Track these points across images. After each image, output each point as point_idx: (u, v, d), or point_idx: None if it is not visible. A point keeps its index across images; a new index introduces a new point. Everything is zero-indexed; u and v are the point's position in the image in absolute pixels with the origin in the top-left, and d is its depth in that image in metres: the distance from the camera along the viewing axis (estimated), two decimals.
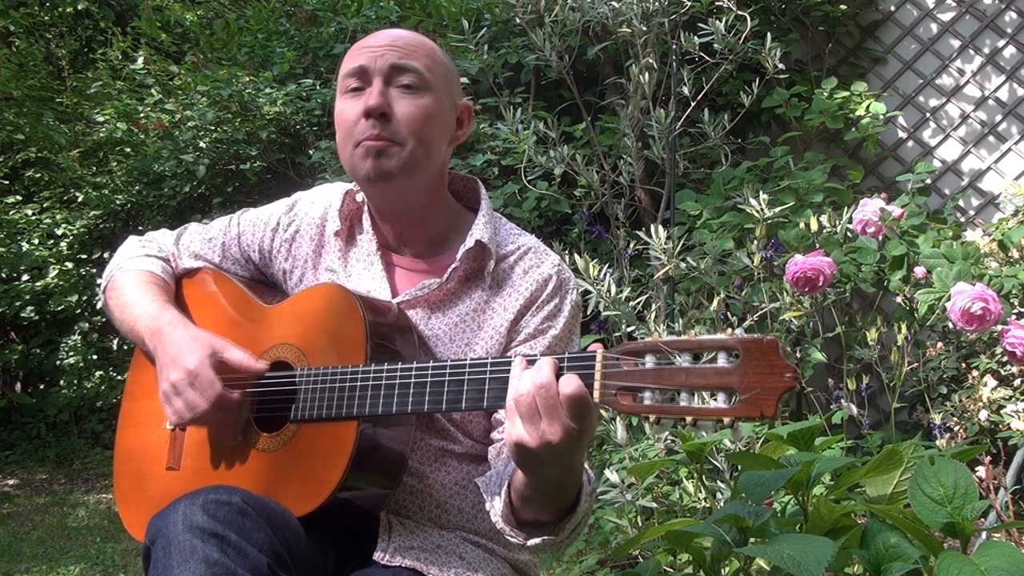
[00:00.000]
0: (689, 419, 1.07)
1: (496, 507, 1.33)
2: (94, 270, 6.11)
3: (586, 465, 1.37)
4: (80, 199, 6.29)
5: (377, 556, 1.38)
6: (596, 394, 1.13)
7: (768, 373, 1.03)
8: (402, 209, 1.53)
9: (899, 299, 3.05)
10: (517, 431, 1.16)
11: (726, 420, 1.05)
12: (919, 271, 2.94)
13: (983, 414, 2.78)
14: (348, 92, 1.47)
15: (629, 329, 2.92)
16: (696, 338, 1.09)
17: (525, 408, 1.15)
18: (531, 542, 1.30)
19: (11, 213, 6.18)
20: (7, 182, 6.55)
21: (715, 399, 1.06)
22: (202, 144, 5.58)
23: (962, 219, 4.25)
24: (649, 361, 1.10)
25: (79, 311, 6.01)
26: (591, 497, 1.33)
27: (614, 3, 3.54)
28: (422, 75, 1.46)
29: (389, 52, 1.46)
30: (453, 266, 1.48)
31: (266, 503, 1.27)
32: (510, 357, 1.23)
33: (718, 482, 2.42)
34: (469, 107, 1.59)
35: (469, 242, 1.49)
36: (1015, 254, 3.16)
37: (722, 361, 1.06)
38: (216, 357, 1.44)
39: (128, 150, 6.38)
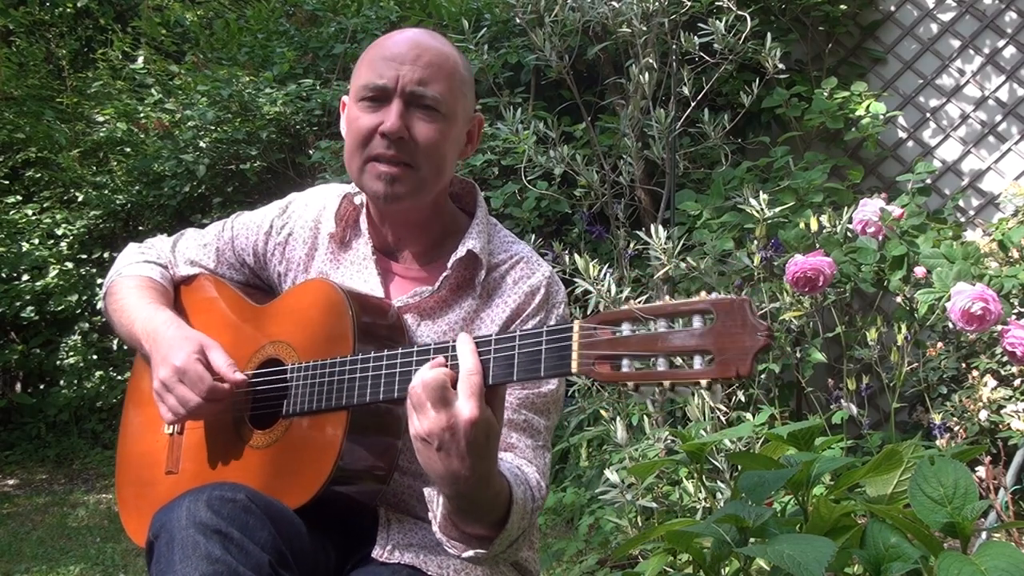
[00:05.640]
0: (667, 383, 1.06)
1: (436, 516, 1.31)
2: (94, 270, 6.11)
3: (531, 480, 1.37)
4: (80, 199, 6.29)
5: (375, 553, 1.39)
6: (575, 364, 1.12)
7: (742, 333, 1.02)
8: (403, 220, 1.54)
9: (899, 299, 3.04)
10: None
11: (703, 382, 1.04)
12: (919, 271, 2.93)
13: (983, 414, 2.78)
14: (364, 101, 1.45)
15: None
16: (671, 303, 1.08)
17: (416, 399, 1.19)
18: (466, 554, 1.30)
19: (11, 213, 6.19)
20: (7, 182, 6.55)
21: (691, 362, 1.05)
22: (202, 144, 5.58)
23: (962, 219, 4.25)
24: (626, 329, 1.10)
25: (79, 311, 6.02)
26: (532, 515, 1.33)
27: (614, 3, 3.54)
28: (443, 101, 1.44)
29: (412, 71, 1.42)
30: (444, 275, 1.49)
31: (270, 501, 1.27)
32: (492, 336, 1.22)
33: (718, 482, 2.42)
34: (480, 120, 1.58)
35: (461, 251, 1.49)
36: (1015, 254, 3.16)
37: (697, 324, 1.05)
38: (204, 354, 1.45)
39: (128, 150, 6.38)
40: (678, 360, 1.08)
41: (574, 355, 1.12)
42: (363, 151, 1.44)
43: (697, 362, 1.05)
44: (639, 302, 1.17)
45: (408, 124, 1.42)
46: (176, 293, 1.69)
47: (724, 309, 1.04)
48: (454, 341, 1.22)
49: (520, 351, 1.17)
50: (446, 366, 1.21)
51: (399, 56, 1.44)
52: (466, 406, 1.16)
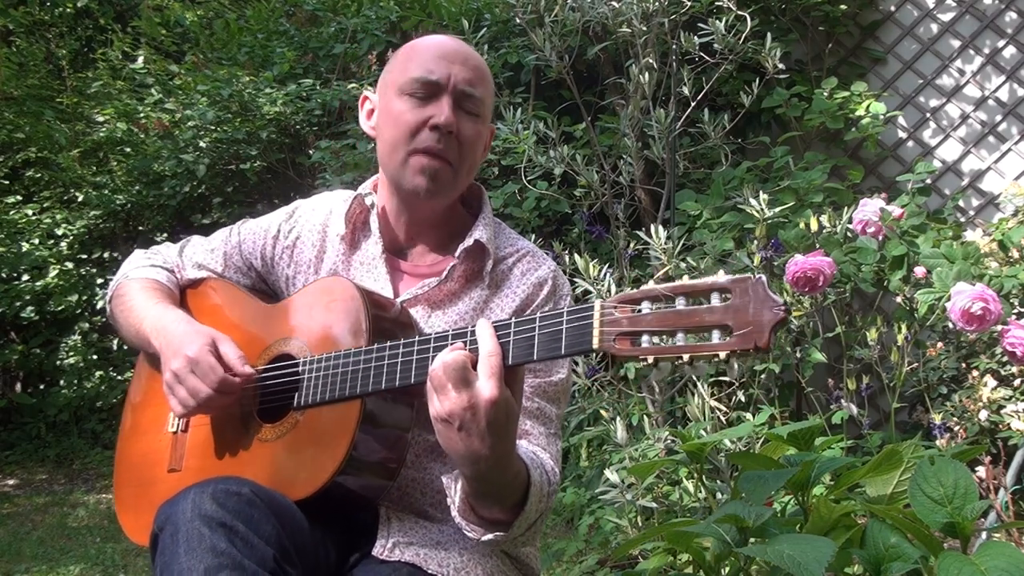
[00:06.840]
0: (686, 357, 1.08)
1: (454, 501, 1.35)
2: (94, 270, 6.11)
3: (547, 465, 1.40)
4: (80, 199, 6.29)
5: (376, 550, 1.39)
6: (596, 341, 1.14)
7: (760, 308, 1.06)
8: (422, 218, 1.57)
9: (899, 299, 3.04)
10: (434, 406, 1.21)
11: (722, 355, 1.06)
12: (919, 271, 2.93)
13: (983, 414, 2.78)
14: (411, 96, 1.48)
15: None
16: (689, 282, 1.11)
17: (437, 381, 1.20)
18: (485, 538, 1.32)
19: (11, 213, 6.18)
20: (7, 182, 6.55)
21: (710, 337, 1.08)
22: (202, 144, 5.58)
23: (962, 219, 4.25)
24: (645, 307, 1.13)
25: (79, 311, 6.02)
26: (548, 498, 1.36)
27: (614, 3, 3.54)
28: (483, 104, 1.52)
29: (462, 72, 1.48)
30: (452, 263, 1.52)
31: (274, 496, 1.28)
32: (512, 320, 1.23)
33: (718, 482, 2.42)
34: (493, 130, 1.64)
35: (468, 241, 1.53)
36: (1015, 254, 3.15)
37: (715, 301, 1.08)
38: (216, 347, 1.45)
39: (128, 150, 6.38)
40: (696, 335, 1.10)
41: (595, 331, 1.14)
42: (408, 144, 1.48)
43: (716, 336, 1.07)
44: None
45: (457, 121, 1.47)
46: (183, 296, 1.70)
47: (742, 286, 1.07)
48: (472, 326, 1.25)
49: (540, 332, 1.19)
50: (465, 350, 1.23)
51: (449, 55, 1.49)
52: (486, 386, 1.18)
